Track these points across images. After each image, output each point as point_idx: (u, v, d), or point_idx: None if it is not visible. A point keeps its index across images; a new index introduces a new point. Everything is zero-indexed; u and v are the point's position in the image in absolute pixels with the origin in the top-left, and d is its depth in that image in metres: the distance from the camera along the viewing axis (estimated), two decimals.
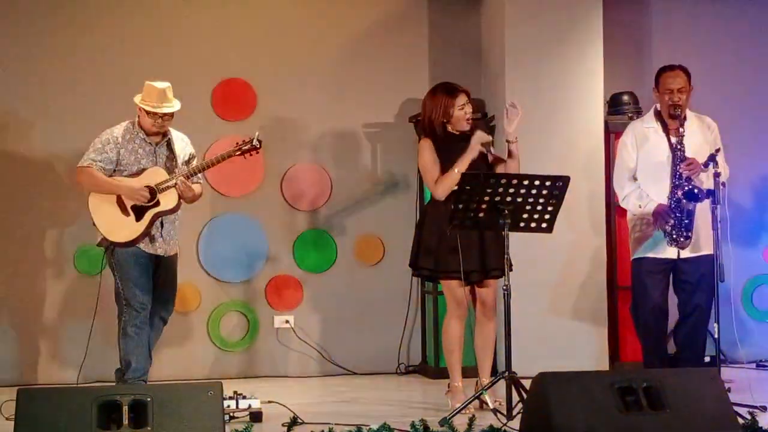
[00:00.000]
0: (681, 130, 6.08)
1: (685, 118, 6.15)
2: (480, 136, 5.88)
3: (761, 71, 8.18)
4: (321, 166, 7.75)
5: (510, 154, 5.96)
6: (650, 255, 6.19)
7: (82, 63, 7.46)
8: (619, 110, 7.61)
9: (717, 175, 5.79)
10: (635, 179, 6.25)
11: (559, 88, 7.42)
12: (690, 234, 6.06)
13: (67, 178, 7.05)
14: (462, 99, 6.00)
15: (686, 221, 6.04)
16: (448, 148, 5.96)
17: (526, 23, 7.40)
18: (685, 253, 6.14)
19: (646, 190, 6.17)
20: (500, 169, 5.99)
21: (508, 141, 5.95)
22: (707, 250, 6.07)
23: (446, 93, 6.01)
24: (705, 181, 6.05)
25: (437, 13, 7.88)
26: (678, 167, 6.04)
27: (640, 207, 6.19)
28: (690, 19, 8.10)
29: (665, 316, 6.26)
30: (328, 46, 7.76)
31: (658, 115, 6.23)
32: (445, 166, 5.92)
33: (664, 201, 6.11)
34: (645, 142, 6.20)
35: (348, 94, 7.76)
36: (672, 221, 6.06)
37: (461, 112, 5.99)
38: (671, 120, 6.14)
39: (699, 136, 6.19)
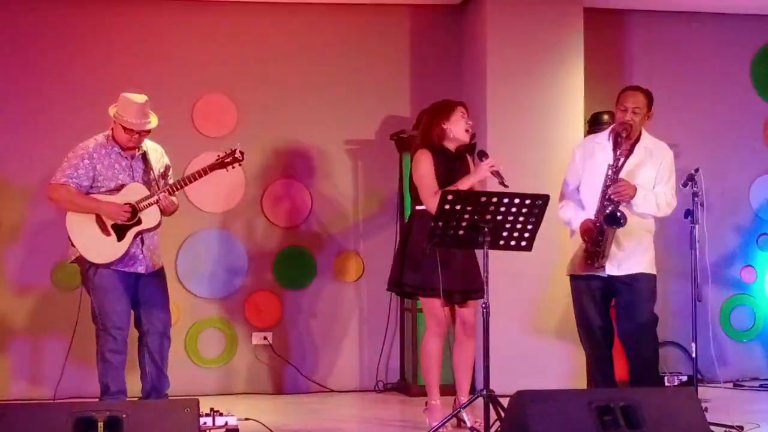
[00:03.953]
0: (618, 152, 5.86)
1: (638, 140, 6.00)
2: (490, 163, 5.85)
3: (739, 91, 8.23)
4: (302, 183, 7.74)
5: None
6: (583, 272, 6.00)
7: (61, 76, 7.44)
8: (600, 129, 7.58)
9: (695, 194, 5.77)
10: (578, 191, 6.09)
11: (540, 106, 7.44)
12: (605, 254, 5.87)
13: (41, 189, 6.96)
14: (460, 110, 6.03)
15: (601, 243, 5.85)
16: (444, 163, 5.96)
17: (508, 42, 7.43)
18: (613, 270, 5.93)
19: (586, 206, 6.00)
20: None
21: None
22: (640, 268, 5.93)
23: (444, 106, 6.05)
24: (638, 205, 5.90)
25: (419, 32, 7.90)
26: (608, 188, 5.84)
27: (571, 221, 6.03)
28: (670, 39, 8.15)
29: (605, 334, 6.03)
30: (310, 63, 7.76)
31: (613, 133, 6.03)
32: (439, 180, 5.93)
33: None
34: (590, 158, 6.05)
35: (329, 111, 7.76)
36: (593, 239, 5.88)
37: (462, 121, 6.00)
38: (619, 137, 5.92)
39: (647, 160, 5.98)
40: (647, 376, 5.92)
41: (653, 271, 5.98)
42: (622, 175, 5.87)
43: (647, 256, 5.94)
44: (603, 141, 6.05)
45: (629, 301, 5.93)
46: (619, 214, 5.77)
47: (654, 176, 5.97)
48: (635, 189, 5.86)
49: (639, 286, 5.92)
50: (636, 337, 5.93)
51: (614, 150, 5.90)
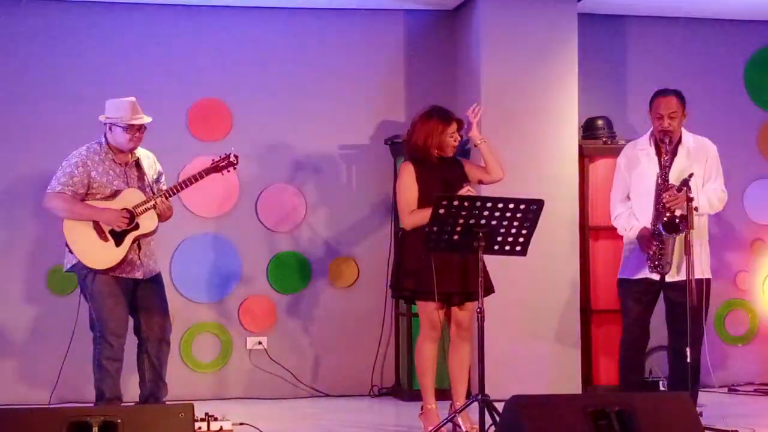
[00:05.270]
0: (665, 158, 5.98)
1: (679, 142, 6.07)
2: (466, 191, 5.91)
3: (733, 96, 8.24)
4: (296, 187, 7.74)
5: (483, 158, 6.08)
6: (634, 276, 6.10)
7: (54, 82, 7.43)
8: (594, 135, 7.64)
9: (690, 199, 5.78)
10: (629, 199, 6.19)
11: (534, 111, 7.44)
12: (670, 261, 5.96)
13: (35, 197, 6.93)
14: (454, 127, 6.04)
15: (663, 250, 5.93)
16: (430, 172, 5.97)
17: (502, 47, 7.42)
18: (671, 277, 6.00)
19: (637, 213, 6.10)
20: (479, 175, 6.10)
21: (476, 145, 6.10)
22: (696, 273, 5.89)
23: (441, 120, 6.04)
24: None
25: (413, 37, 7.90)
26: (661, 196, 5.93)
27: (626, 230, 6.14)
28: (665, 44, 8.15)
29: (644, 337, 6.17)
30: (304, 68, 7.76)
31: (653, 138, 6.15)
32: (422, 189, 5.96)
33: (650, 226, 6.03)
34: (636, 165, 6.15)
35: (324, 116, 7.76)
36: (654, 247, 5.97)
37: (450, 140, 6.03)
38: (662, 144, 6.06)
39: (685, 160, 6.06)
40: (693, 380, 5.96)
41: (708, 275, 6.00)
42: (671, 178, 5.95)
43: (702, 259, 5.92)
44: (645, 147, 6.15)
45: (686, 307, 5.89)
46: (677, 220, 5.81)
47: (702, 174, 6.04)
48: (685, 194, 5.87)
49: (695, 291, 5.84)
50: (690, 342, 5.89)
51: (659, 158, 6.01)
